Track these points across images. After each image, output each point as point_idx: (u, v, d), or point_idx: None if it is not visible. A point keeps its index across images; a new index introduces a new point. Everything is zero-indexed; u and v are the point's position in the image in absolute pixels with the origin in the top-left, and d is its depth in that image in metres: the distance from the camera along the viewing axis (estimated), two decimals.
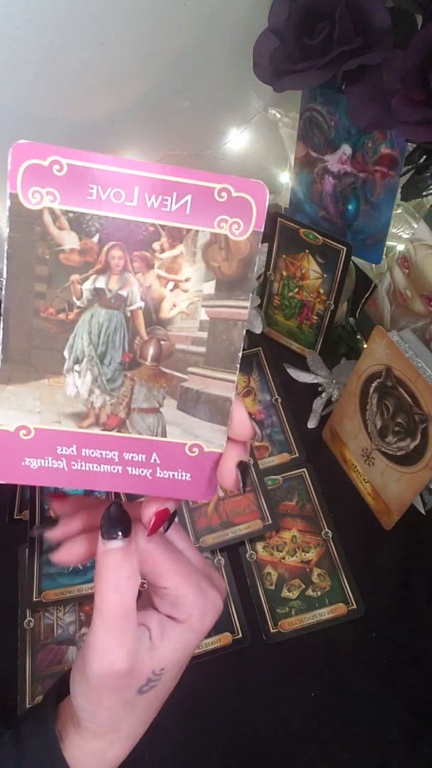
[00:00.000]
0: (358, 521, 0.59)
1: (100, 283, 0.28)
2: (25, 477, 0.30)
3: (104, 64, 0.58)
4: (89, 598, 0.55)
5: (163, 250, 0.28)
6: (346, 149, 0.57)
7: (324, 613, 0.55)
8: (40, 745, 0.32)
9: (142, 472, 0.31)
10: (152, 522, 0.31)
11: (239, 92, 0.65)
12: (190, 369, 0.30)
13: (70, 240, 0.28)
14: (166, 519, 0.31)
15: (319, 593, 0.56)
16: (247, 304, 0.29)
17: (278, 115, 0.66)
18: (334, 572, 0.57)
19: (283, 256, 0.64)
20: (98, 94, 0.61)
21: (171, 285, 0.29)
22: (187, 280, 0.29)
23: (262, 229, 0.28)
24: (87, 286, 0.28)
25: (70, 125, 0.61)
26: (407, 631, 0.54)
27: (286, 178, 0.72)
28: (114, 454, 0.30)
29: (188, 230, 0.28)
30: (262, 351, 0.70)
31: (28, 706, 0.51)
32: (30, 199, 0.27)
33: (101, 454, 0.30)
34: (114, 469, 0.30)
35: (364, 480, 0.58)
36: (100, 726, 0.32)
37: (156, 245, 0.28)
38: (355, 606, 0.55)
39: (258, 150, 0.71)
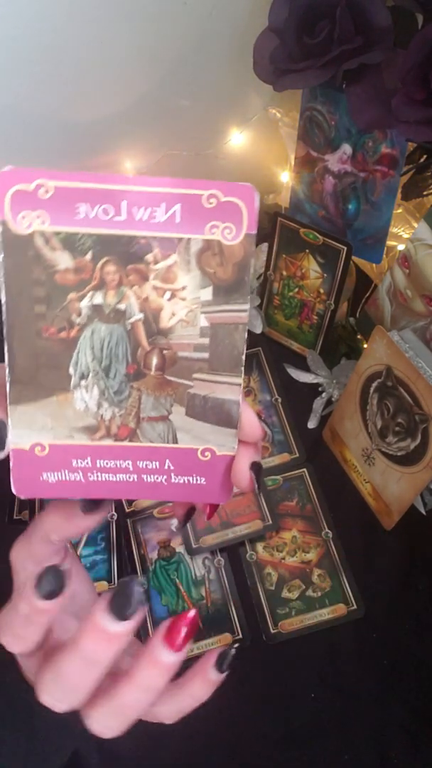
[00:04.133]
0: (359, 522, 0.59)
1: (98, 299, 0.29)
2: (45, 491, 0.31)
3: (104, 63, 0.58)
4: None
5: (156, 261, 0.28)
6: (347, 149, 0.57)
7: (324, 614, 0.55)
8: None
9: (157, 478, 0.31)
10: (209, 509, 0.32)
11: (239, 92, 0.65)
12: (195, 375, 0.30)
13: (63, 260, 0.28)
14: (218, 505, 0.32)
15: (319, 594, 0.56)
16: (247, 306, 0.29)
17: (278, 115, 0.66)
18: (335, 573, 0.57)
19: (283, 255, 0.64)
20: (98, 93, 0.61)
21: (168, 294, 0.29)
22: (183, 288, 0.29)
23: (255, 232, 0.28)
24: (85, 303, 0.29)
25: (69, 125, 0.61)
26: (407, 631, 0.54)
27: (286, 177, 0.72)
28: (128, 464, 0.31)
29: (180, 239, 0.28)
30: (262, 351, 0.70)
31: None
32: (20, 224, 0.27)
33: (116, 464, 0.31)
34: (129, 477, 0.31)
35: (365, 480, 0.58)
36: None
37: (149, 257, 0.28)
38: (355, 606, 0.55)
39: (258, 150, 0.70)
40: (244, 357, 0.29)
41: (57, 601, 0.27)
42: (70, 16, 0.52)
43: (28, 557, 0.32)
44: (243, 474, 0.30)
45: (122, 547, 0.58)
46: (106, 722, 0.28)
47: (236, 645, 0.30)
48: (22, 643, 0.28)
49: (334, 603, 0.55)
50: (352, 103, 0.48)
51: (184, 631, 0.27)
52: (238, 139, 0.68)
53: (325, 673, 0.53)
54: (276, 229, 0.62)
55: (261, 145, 0.70)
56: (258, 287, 0.69)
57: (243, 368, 0.29)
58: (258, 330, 0.67)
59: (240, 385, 0.30)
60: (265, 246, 0.67)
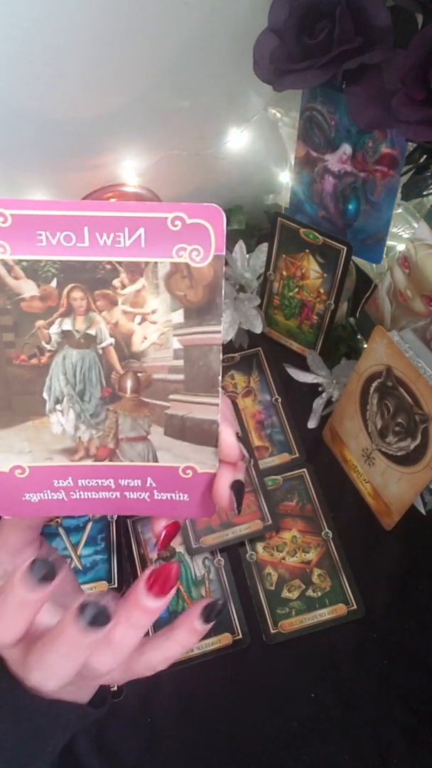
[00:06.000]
0: (359, 522, 0.59)
1: (67, 325, 0.29)
2: (28, 510, 0.31)
3: (104, 63, 0.58)
4: None
5: (124, 286, 0.28)
6: (347, 149, 0.57)
7: (324, 614, 0.55)
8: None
9: (140, 495, 0.31)
10: (162, 536, 0.32)
11: (239, 92, 0.65)
12: (171, 396, 0.30)
13: (28, 288, 0.28)
14: (176, 533, 0.33)
15: (319, 594, 0.56)
16: (220, 328, 0.29)
17: (278, 115, 0.66)
18: (335, 573, 0.57)
19: (283, 256, 0.64)
20: (98, 93, 0.61)
21: (138, 318, 0.29)
22: (153, 311, 0.29)
23: (223, 253, 0.28)
24: (54, 329, 0.29)
25: (69, 125, 0.61)
26: (407, 631, 0.54)
27: (286, 177, 0.72)
28: (110, 482, 0.31)
29: (147, 263, 0.28)
30: (262, 351, 0.70)
31: None
32: None
33: (97, 482, 0.31)
34: (112, 495, 0.31)
35: (365, 480, 0.58)
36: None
37: (116, 282, 0.28)
38: (355, 606, 0.55)
39: (258, 150, 0.70)
40: (220, 377, 0.29)
41: (48, 588, 0.28)
42: (71, 16, 0.52)
43: (1, 548, 0.33)
44: (222, 493, 0.30)
45: (122, 547, 0.58)
46: (101, 658, 0.30)
47: (219, 608, 0.31)
48: (11, 632, 0.29)
49: (334, 603, 0.55)
50: (352, 103, 0.48)
51: (162, 579, 0.29)
52: (238, 139, 0.68)
53: (325, 673, 0.53)
54: (276, 229, 0.62)
55: (261, 145, 0.70)
56: (258, 287, 0.69)
57: (220, 388, 0.29)
58: (258, 330, 0.67)
59: (218, 405, 0.30)
60: (265, 246, 0.67)
